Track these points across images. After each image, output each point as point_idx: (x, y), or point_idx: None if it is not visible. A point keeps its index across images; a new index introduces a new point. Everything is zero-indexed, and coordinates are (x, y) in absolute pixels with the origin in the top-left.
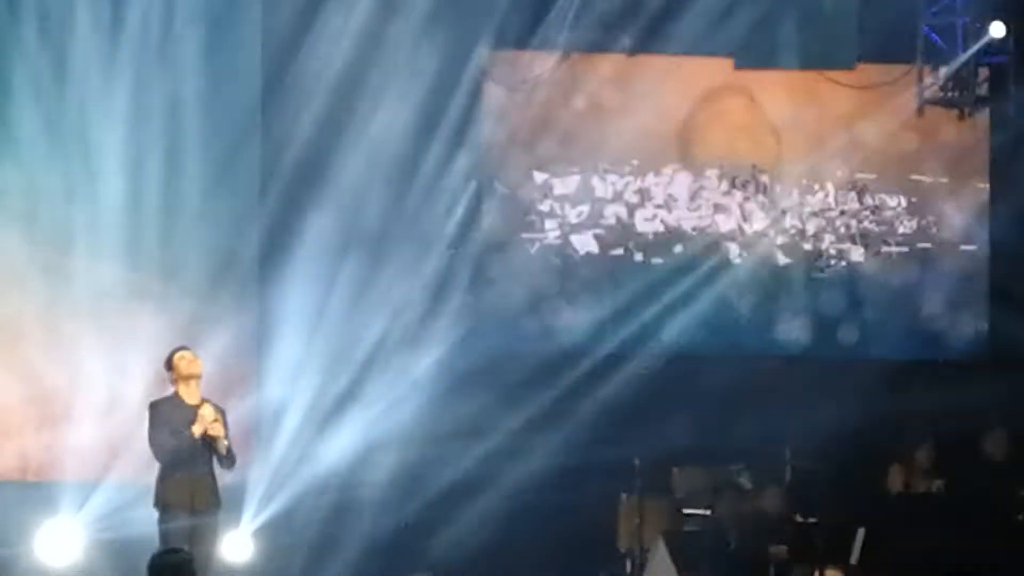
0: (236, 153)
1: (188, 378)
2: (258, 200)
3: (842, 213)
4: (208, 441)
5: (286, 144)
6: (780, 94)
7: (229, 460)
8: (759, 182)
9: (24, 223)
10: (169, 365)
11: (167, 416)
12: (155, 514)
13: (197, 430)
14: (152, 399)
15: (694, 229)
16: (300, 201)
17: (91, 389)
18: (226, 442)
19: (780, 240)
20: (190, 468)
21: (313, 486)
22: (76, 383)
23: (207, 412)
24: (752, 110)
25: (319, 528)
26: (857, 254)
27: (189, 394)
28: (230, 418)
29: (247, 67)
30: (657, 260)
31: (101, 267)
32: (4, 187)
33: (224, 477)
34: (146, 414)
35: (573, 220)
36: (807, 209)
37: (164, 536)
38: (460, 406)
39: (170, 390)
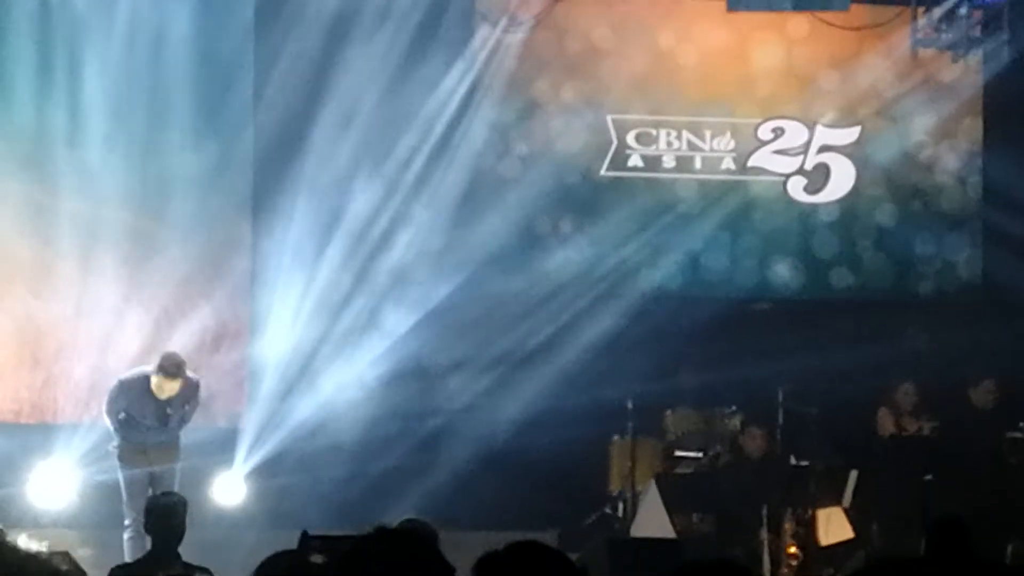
0: (227, 94)
1: (162, 388)
2: (251, 141)
3: (833, 153)
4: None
5: (277, 86)
6: (772, 35)
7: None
8: (750, 123)
9: (17, 165)
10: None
11: (129, 401)
12: None
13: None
14: (122, 377)
15: (685, 170)
16: (292, 142)
17: (85, 331)
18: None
19: (770, 180)
20: (145, 438)
21: (304, 429)
22: (70, 325)
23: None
24: (745, 51)
25: (310, 470)
26: (849, 194)
27: (161, 391)
28: (222, 363)
29: (239, 2)
30: (650, 201)
31: (94, 209)
32: (7, 129)
33: (217, 421)
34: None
35: (565, 158)
36: (798, 149)
37: (125, 483)
38: (450, 348)
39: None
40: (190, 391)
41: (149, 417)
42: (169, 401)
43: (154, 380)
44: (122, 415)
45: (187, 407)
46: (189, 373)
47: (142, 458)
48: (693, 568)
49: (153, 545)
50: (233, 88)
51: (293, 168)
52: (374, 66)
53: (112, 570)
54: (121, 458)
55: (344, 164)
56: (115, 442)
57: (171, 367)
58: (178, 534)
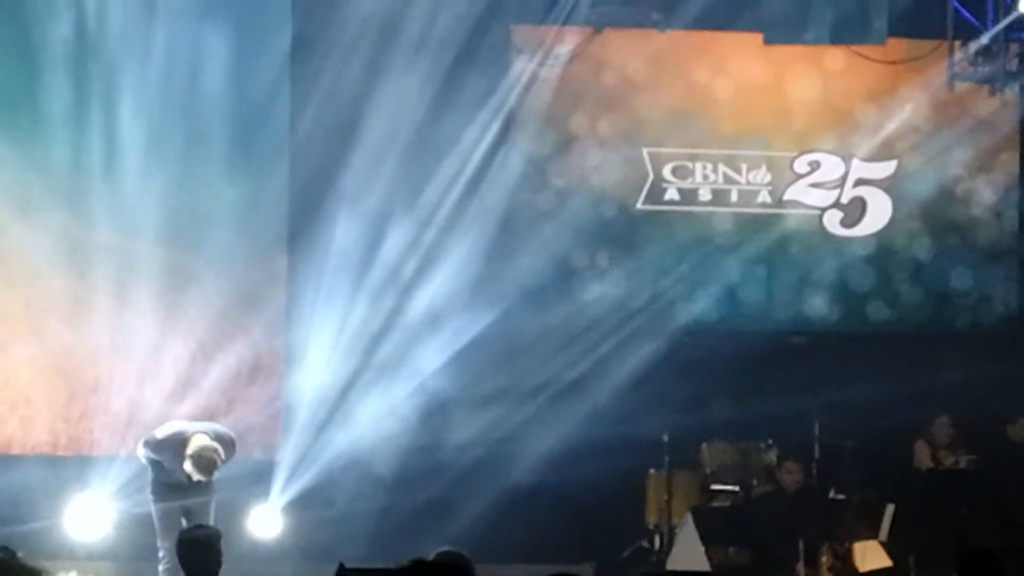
0: (263, 128)
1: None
2: (287, 174)
3: (869, 187)
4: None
5: (313, 120)
6: (809, 69)
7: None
8: (786, 157)
9: (53, 199)
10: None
11: (162, 459)
12: None
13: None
14: (159, 436)
15: (721, 204)
16: (328, 176)
17: (121, 364)
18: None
19: (806, 213)
20: (179, 479)
21: (340, 461)
22: (106, 358)
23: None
24: (782, 84)
25: (347, 503)
26: (885, 228)
27: (193, 475)
28: (258, 396)
29: (276, 36)
30: (686, 234)
31: (130, 243)
32: (43, 163)
33: (252, 453)
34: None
35: (602, 192)
36: (835, 183)
37: (158, 516)
38: (486, 381)
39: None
40: (226, 456)
41: (183, 478)
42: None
43: (187, 466)
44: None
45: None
46: (222, 429)
47: (176, 494)
48: None
49: None
50: (269, 122)
51: (329, 202)
52: (410, 99)
53: None
54: (154, 492)
55: (380, 197)
56: (149, 474)
57: (206, 467)
58: (213, 567)
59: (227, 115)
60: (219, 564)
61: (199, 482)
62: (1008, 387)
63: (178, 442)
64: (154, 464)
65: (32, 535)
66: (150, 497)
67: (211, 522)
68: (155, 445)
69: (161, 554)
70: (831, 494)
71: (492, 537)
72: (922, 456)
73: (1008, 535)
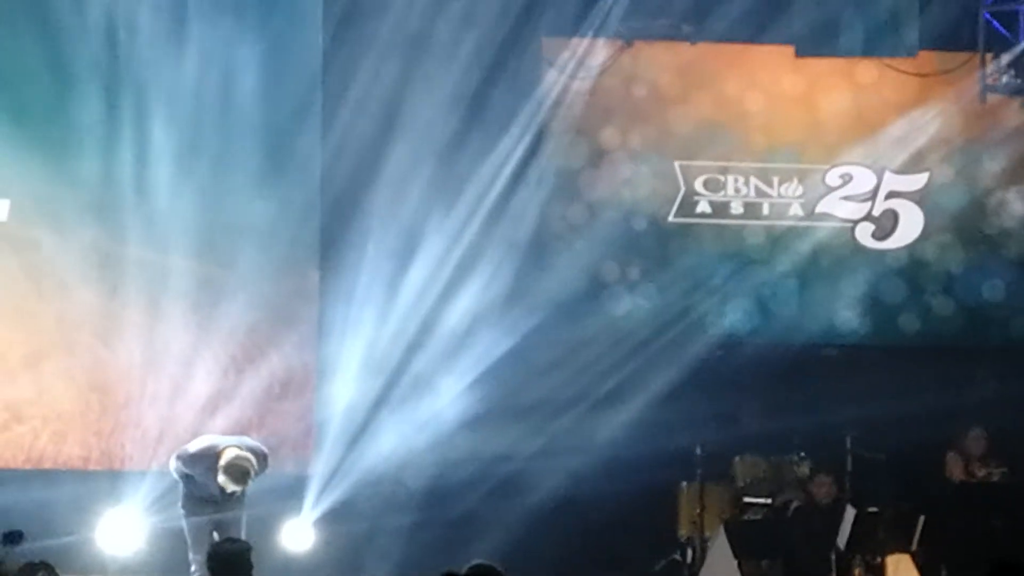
0: (295, 141)
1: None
2: (318, 188)
3: (901, 199)
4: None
5: (344, 133)
6: (840, 81)
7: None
8: (818, 169)
9: (84, 213)
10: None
11: (195, 473)
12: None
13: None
14: (191, 451)
15: (753, 217)
16: (360, 189)
17: (153, 379)
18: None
19: (838, 226)
20: (215, 506)
21: (372, 476)
22: (138, 373)
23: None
24: (813, 97)
25: (379, 517)
26: (917, 240)
27: (227, 487)
28: (289, 411)
29: (307, 50)
30: (718, 247)
31: (162, 256)
32: (74, 178)
33: (285, 467)
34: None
35: (633, 205)
36: (866, 195)
37: (189, 530)
38: (518, 395)
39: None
40: (259, 469)
41: (215, 491)
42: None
43: (220, 478)
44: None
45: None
46: (254, 443)
47: (208, 508)
48: None
49: None
50: (300, 135)
51: (360, 215)
52: (441, 112)
53: None
54: (185, 506)
55: (412, 211)
56: (181, 488)
57: (239, 476)
58: None
59: (258, 129)
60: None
61: (231, 495)
62: None
63: (211, 455)
64: (186, 478)
65: (64, 550)
66: (181, 511)
67: (242, 536)
68: (188, 459)
69: (192, 568)
70: (863, 506)
71: (524, 550)
72: (954, 468)
73: None
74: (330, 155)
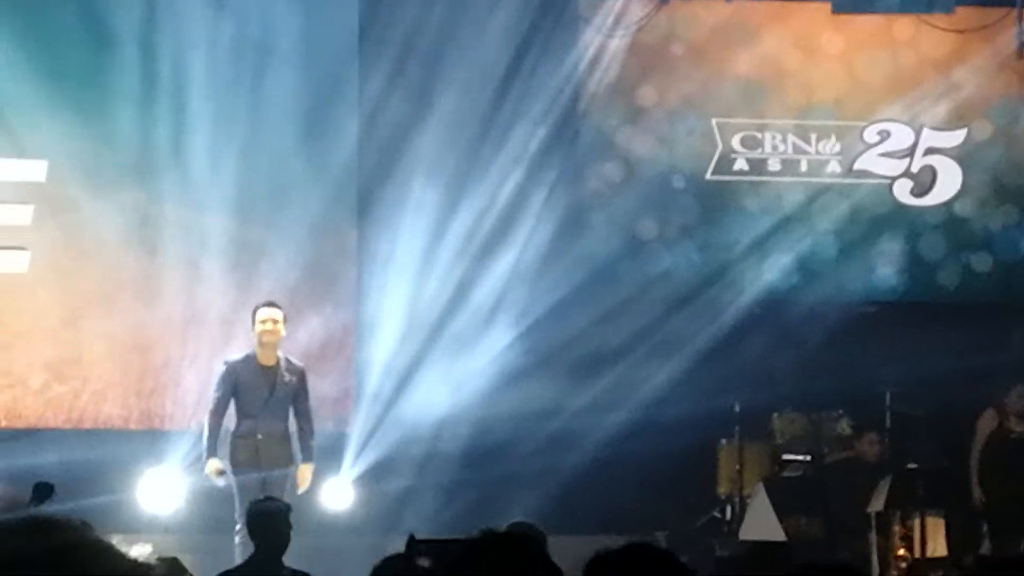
0: (332, 100)
1: (264, 345)
2: (356, 147)
3: (939, 156)
4: (282, 399)
5: (382, 93)
6: (877, 38)
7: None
8: (856, 126)
9: (123, 174)
10: (252, 320)
11: (237, 381)
12: None
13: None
14: (228, 358)
15: (791, 174)
16: (398, 148)
17: (193, 339)
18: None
19: (876, 183)
20: (257, 427)
21: (411, 434)
22: (178, 333)
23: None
24: (850, 54)
25: (419, 475)
26: (955, 197)
27: (266, 356)
28: (329, 370)
29: (344, 7)
30: (756, 205)
31: (200, 217)
32: (112, 138)
33: (324, 425)
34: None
35: (670, 163)
36: (905, 152)
37: (237, 489)
38: (557, 354)
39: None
40: (296, 374)
41: (259, 395)
42: (277, 374)
43: (259, 323)
44: (231, 402)
45: (299, 395)
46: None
47: (253, 456)
48: (807, 571)
49: (256, 551)
50: (338, 95)
51: (398, 175)
52: (479, 73)
53: None
54: (233, 459)
55: (449, 170)
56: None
57: (269, 301)
58: (282, 540)
59: (296, 88)
60: (287, 537)
61: (276, 385)
62: None
63: (249, 356)
64: (231, 385)
65: (105, 509)
66: (229, 469)
67: (285, 495)
68: (227, 366)
69: (238, 527)
70: (902, 463)
71: (565, 508)
72: (987, 424)
73: None
74: (367, 115)
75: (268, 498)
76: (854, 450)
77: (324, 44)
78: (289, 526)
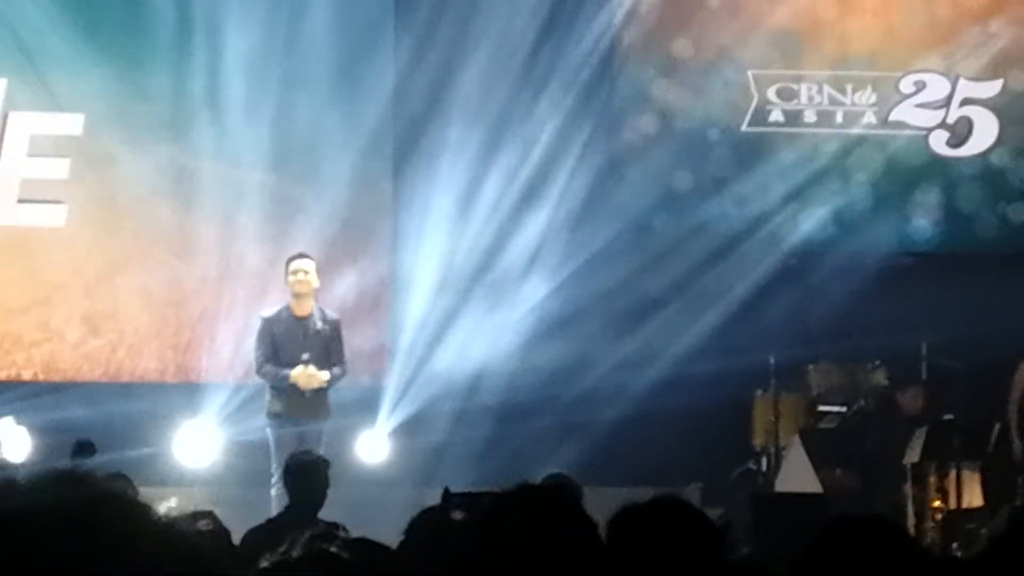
0: (368, 53)
1: (298, 295)
2: (391, 101)
3: (975, 106)
4: (317, 350)
5: (417, 45)
6: None
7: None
8: (892, 77)
9: (157, 128)
10: (285, 272)
11: (273, 333)
12: None
13: (296, 381)
14: (263, 314)
15: (827, 125)
16: (433, 102)
17: (228, 293)
18: (327, 377)
19: (912, 134)
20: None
21: (448, 387)
22: (213, 287)
23: (301, 378)
24: (886, 4)
25: (454, 429)
26: (992, 147)
27: (300, 307)
28: (365, 323)
29: None
30: (792, 157)
31: (235, 170)
32: (148, 92)
33: (360, 379)
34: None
35: (706, 115)
36: (941, 103)
37: (273, 443)
38: (592, 307)
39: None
40: (330, 324)
41: (294, 347)
42: (310, 324)
43: (291, 273)
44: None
45: (333, 343)
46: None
47: (289, 406)
48: (843, 523)
49: (291, 504)
50: (373, 47)
51: (433, 127)
52: (514, 24)
53: (248, 532)
54: (270, 412)
55: (485, 122)
56: (267, 396)
57: (301, 252)
58: (318, 496)
59: (331, 39)
60: (324, 492)
61: (310, 332)
62: None
63: (283, 307)
64: (268, 342)
65: (141, 462)
66: (267, 421)
67: (321, 449)
68: (264, 322)
69: (274, 479)
70: (938, 414)
71: (600, 460)
72: (1021, 377)
73: None
74: (403, 67)
75: (305, 452)
76: (890, 401)
77: None
78: (327, 482)
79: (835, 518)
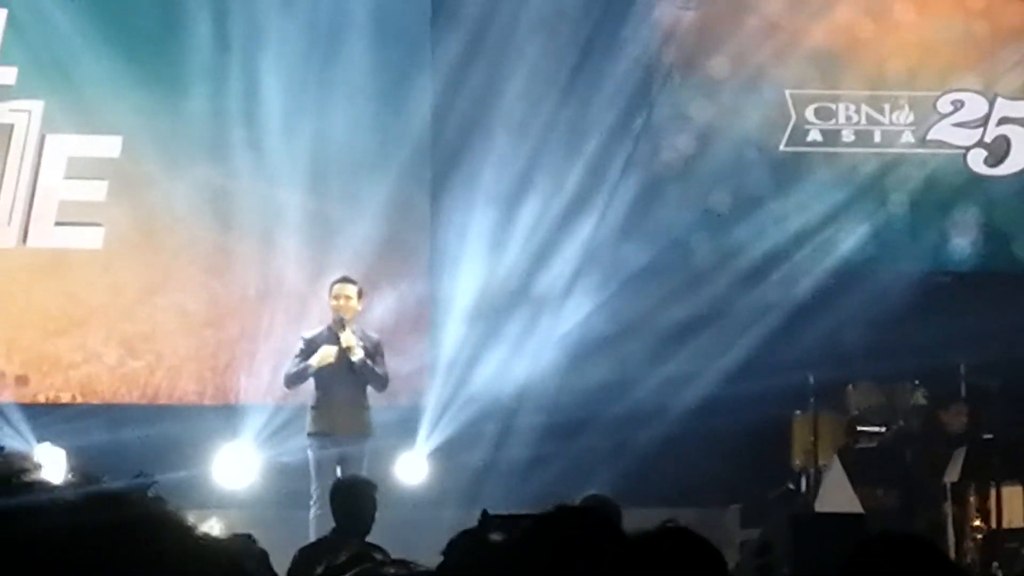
0: (406, 72)
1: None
2: (430, 120)
3: (1013, 125)
4: (355, 368)
5: (456, 65)
6: (951, 7)
7: (377, 381)
8: (929, 96)
9: (195, 148)
10: (329, 294)
11: (312, 353)
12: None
13: (315, 360)
14: (304, 334)
15: (865, 145)
16: (471, 120)
17: (267, 313)
18: (360, 356)
19: (950, 153)
20: (332, 395)
21: (487, 409)
22: (252, 307)
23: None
24: (924, 23)
25: (494, 450)
26: None
27: (342, 323)
28: (404, 345)
29: None
30: (829, 176)
31: (273, 190)
32: (186, 113)
33: (399, 400)
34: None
35: (743, 134)
36: (978, 122)
37: (313, 464)
38: (633, 328)
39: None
40: (371, 343)
41: (334, 367)
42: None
43: (334, 297)
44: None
45: (375, 359)
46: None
47: (328, 424)
48: (878, 541)
49: (339, 526)
50: (411, 67)
51: (472, 147)
52: (554, 45)
53: (298, 553)
54: (311, 432)
55: (524, 143)
56: (308, 416)
57: (344, 276)
58: (367, 517)
59: (369, 60)
60: (373, 515)
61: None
62: None
63: (325, 329)
64: (287, 383)
65: (180, 485)
66: (308, 442)
67: (364, 470)
68: (304, 342)
69: (313, 499)
70: (978, 433)
71: (639, 481)
72: None
73: None
74: (441, 88)
75: (354, 476)
76: (929, 421)
77: (397, 16)
78: (375, 505)
79: (873, 537)
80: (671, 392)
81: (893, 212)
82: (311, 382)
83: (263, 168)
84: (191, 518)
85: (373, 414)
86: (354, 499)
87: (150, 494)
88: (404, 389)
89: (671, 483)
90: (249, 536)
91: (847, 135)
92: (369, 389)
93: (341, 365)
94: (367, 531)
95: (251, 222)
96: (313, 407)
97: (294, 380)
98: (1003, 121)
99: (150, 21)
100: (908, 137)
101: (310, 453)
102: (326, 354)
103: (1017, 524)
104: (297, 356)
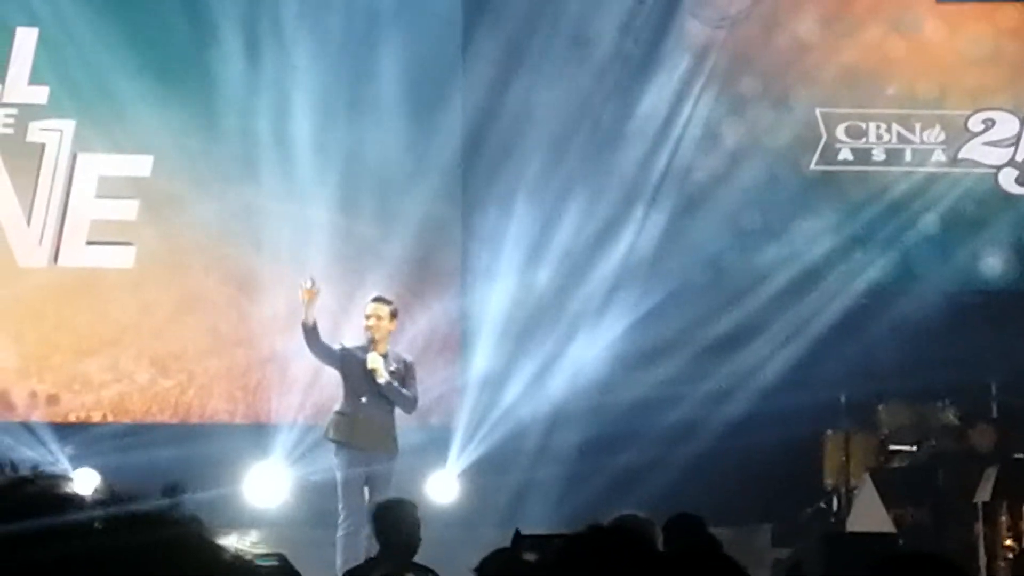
0: (437, 91)
1: (372, 340)
2: (460, 139)
3: None
4: (382, 390)
5: (487, 85)
6: (982, 26)
7: (404, 403)
8: (960, 115)
9: (227, 166)
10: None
11: (344, 362)
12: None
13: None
14: (344, 343)
15: (895, 163)
16: (501, 140)
17: (298, 332)
18: (385, 379)
19: (981, 172)
20: (359, 407)
21: (518, 428)
22: (282, 326)
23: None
24: (955, 42)
25: (524, 469)
26: None
27: (375, 349)
28: (435, 364)
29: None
30: (860, 195)
31: (304, 209)
32: (217, 132)
33: (430, 420)
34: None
35: (774, 153)
36: (1010, 140)
37: (341, 482)
38: (665, 348)
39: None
40: (402, 364)
41: (364, 381)
42: (385, 364)
43: (367, 316)
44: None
45: (403, 382)
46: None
47: (349, 433)
48: (895, 560)
49: (385, 548)
50: (442, 88)
51: (505, 164)
52: (585, 64)
53: (346, 574)
54: (332, 437)
55: (557, 159)
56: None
57: (379, 296)
58: (414, 538)
59: (400, 80)
60: (418, 535)
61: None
62: None
63: (361, 347)
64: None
65: (211, 504)
66: (335, 461)
67: (391, 490)
68: (343, 348)
69: (341, 518)
70: (1010, 453)
71: (671, 500)
72: None
73: None
74: (472, 109)
75: (398, 499)
76: (961, 440)
77: (428, 36)
78: (418, 524)
79: (889, 556)
80: (703, 411)
81: (924, 231)
82: (342, 388)
83: (294, 187)
84: (223, 537)
85: (404, 434)
86: (400, 520)
87: (185, 513)
88: (435, 409)
89: (703, 502)
90: (280, 555)
91: (878, 154)
92: (398, 410)
93: (371, 381)
94: (414, 551)
95: (283, 241)
96: (338, 412)
97: (314, 347)
98: None
99: (181, 40)
100: (939, 156)
101: (337, 473)
102: (372, 361)
103: None
104: (331, 344)
